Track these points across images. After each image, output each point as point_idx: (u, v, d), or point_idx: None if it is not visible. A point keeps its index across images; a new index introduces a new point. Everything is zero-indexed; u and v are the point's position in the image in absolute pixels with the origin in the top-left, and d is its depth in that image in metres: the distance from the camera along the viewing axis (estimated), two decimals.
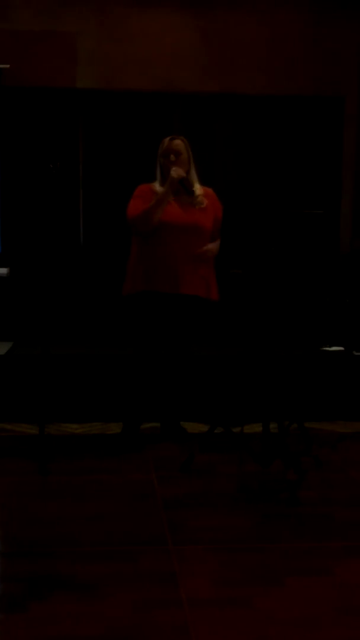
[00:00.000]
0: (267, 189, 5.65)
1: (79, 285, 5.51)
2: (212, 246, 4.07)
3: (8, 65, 5.20)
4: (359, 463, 3.89)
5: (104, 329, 5.43)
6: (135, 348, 4.09)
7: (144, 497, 3.32)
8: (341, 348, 5.12)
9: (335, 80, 5.72)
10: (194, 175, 4.11)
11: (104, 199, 5.58)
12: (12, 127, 5.33)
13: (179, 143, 4.07)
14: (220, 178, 5.61)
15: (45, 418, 3.81)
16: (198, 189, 4.10)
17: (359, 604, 2.38)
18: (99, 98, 5.55)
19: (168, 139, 4.11)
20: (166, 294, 4.01)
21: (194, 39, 5.57)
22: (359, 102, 5.78)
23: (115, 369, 4.62)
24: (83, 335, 5.39)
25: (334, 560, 2.70)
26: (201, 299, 4.10)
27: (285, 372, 4.64)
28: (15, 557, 2.71)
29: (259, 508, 3.19)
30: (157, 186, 4.08)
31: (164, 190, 3.98)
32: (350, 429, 4.55)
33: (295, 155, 5.71)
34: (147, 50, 5.52)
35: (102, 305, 5.48)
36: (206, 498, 3.31)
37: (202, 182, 4.12)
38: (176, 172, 3.97)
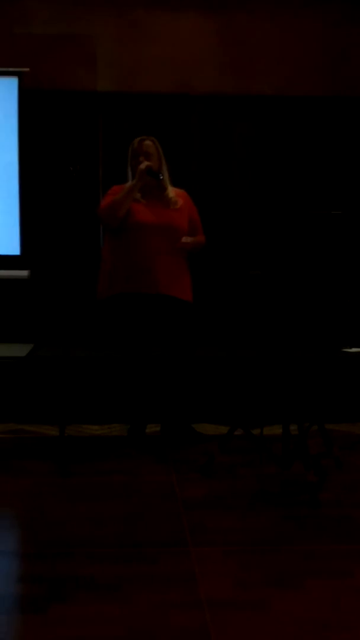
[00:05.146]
0: (286, 190, 5.63)
1: None
2: (191, 239, 4.12)
3: (28, 69, 5.23)
4: None
5: None
6: (122, 350, 4.11)
7: (164, 499, 3.32)
8: None
9: (355, 80, 5.69)
10: (166, 176, 4.16)
11: None
12: (32, 130, 5.36)
13: (149, 144, 4.15)
14: (238, 179, 5.61)
15: (65, 419, 3.83)
16: (171, 190, 4.14)
17: None
18: (118, 100, 5.56)
19: (137, 140, 4.19)
20: (143, 294, 4.04)
21: (211, 40, 5.58)
22: None
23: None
24: (103, 337, 5.40)
25: (354, 562, 2.68)
26: (177, 300, 4.11)
27: (305, 374, 4.63)
28: (36, 558, 2.72)
29: (279, 510, 3.19)
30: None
31: (132, 183, 4.03)
32: None
33: (314, 155, 5.69)
34: (166, 53, 5.53)
35: None
36: (226, 500, 3.30)
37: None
38: (144, 164, 4.04)
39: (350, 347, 5.12)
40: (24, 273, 5.24)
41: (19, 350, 4.94)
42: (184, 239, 4.10)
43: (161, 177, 4.08)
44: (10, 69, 5.22)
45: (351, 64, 5.68)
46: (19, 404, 4.61)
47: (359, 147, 5.75)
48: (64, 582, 2.51)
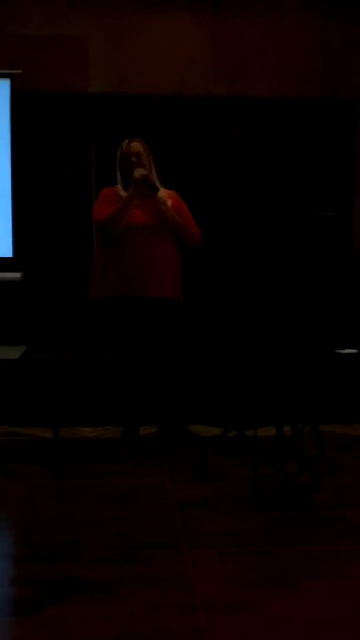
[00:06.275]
0: (279, 192, 5.64)
1: None
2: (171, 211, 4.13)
3: (20, 71, 5.22)
4: None
5: None
6: (115, 353, 4.12)
7: (158, 501, 3.32)
8: (354, 350, 5.11)
9: (348, 82, 5.71)
10: (155, 176, 4.18)
11: None
12: (25, 132, 5.35)
13: (137, 145, 4.19)
14: (232, 180, 5.62)
15: (59, 422, 3.82)
16: (161, 191, 4.16)
17: None
18: (111, 102, 5.56)
19: (126, 142, 4.22)
20: (135, 297, 4.05)
21: (204, 42, 5.58)
22: None
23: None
24: (96, 339, 5.40)
25: (348, 563, 2.69)
26: (168, 301, 4.12)
27: (299, 375, 4.63)
28: (30, 560, 2.72)
29: (273, 511, 3.19)
30: (120, 190, 4.14)
31: (129, 193, 4.03)
32: None
33: (307, 157, 5.70)
34: (158, 55, 5.53)
35: None
36: (220, 501, 3.31)
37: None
38: (138, 172, 4.06)
39: (344, 349, 5.13)
40: (17, 275, 5.23)
41: (12, 352, 4.93)
42: (164, 202, 4.10)
43: (157, 188, 4.08)
44: (3, 71, 5.21)
45: (345, 65, 5.69)
46: (12, 406, 4.60)
47: (353, 148, 5.77)
48: (58, 584, 2.51)
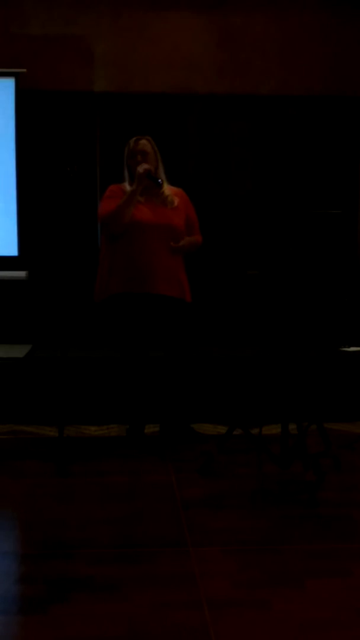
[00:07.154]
0: (284, 190, 5.63)
1: None
2: (187, 239, 4.12)
3: (25, 70, 5.23)
4: None
5: None
6: (120, 351, 4.11)
7: (163, 499, 3.32)
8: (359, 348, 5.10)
9: (352, 80, 5.69)
10: (162, 174, 4.17)
11: None
12: (29, 131, 5.35)
13: (144, 143, 4.18)
14: (236, 178, 5.61)
15: (64, 420, 3.82)
16: (167, 189, 4.15)
17: None
18: (115, 101, 5.56)
19: (133, 139, 4.21)
20: (141, 294, 4.04)
21: (208, 40, 5.57)
22: None
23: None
24: (101, 338, 5.40)
25: (353, 561, 2.68)
26: (176, 300, 4.12)
27: (304, 373, 4.63)
28: (35, 558, 2.72)
29: (278, 509, 3.19)
30: (127, 186, 4.14)
31: (132, 188, 4.04)
32: None
33: (312, 155, 5.69)
34: (163, 53, 5.53)
35: None
36: (225, 499, 3.31)
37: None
38: (142, 167, 4.05)
39: (349, 346, 5.12)
40: (22, 274, 5.23)
41: (17, 351, 4.93)
42: (178, 242, 4.11)
43: (160, 181, 4.08)
44: (8, 70, 5.21)
45: (349, 63, 5.68)
46: (17, 405, 4.61)
47: (358, 146, 5.76)
48: (63, 582, 2.51)
